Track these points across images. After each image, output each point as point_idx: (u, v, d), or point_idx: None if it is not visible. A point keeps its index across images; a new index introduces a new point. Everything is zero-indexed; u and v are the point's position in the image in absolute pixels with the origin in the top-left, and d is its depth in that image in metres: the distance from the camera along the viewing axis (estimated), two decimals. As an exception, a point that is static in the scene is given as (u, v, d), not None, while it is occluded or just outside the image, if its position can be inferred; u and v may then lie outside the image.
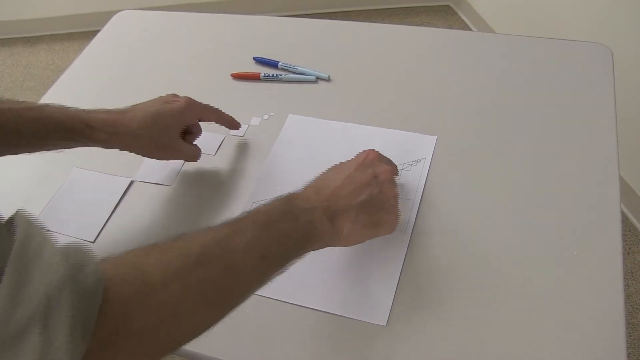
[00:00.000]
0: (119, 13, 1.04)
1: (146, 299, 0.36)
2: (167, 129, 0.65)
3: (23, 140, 0.61)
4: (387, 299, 0.57)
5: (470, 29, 2.27)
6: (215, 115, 0.71)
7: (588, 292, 0.55)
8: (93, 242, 0.67)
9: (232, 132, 0.76)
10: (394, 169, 0.59)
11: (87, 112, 0.63)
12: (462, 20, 2.33)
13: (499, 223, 0.62)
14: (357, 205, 0.52)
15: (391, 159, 0.65)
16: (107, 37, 1.00)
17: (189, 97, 0.67)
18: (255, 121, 0.78)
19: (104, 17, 1.03)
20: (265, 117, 0.78)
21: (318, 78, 0.82)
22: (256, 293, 0.58)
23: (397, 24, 0.94)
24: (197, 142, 0.72)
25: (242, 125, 0.77)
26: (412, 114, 0.75)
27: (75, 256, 0.33)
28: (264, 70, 0.84)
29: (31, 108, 0.60)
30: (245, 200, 0.68)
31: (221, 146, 0.75)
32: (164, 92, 0.85)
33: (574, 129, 0.70)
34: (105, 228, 0.69)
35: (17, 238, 0.30)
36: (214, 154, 0.74)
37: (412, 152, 0.70)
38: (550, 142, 0.69)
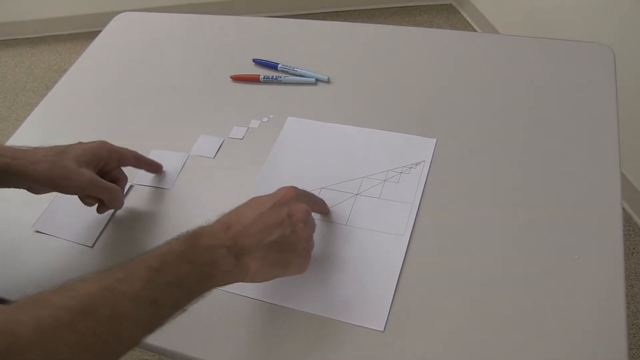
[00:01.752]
0: (119, 15, 1.04)
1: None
2: (74, 159, 0.61)
3: None
4: (385, 304, 0.56)
5: (473, 28, 2.26)
6: (133, 157, 0.69)
7: (589, 296, 0.55)
8: (92, 247, 0.67)
9: (230, 134, 0.76)
10: (309, 210, 0.56)
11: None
12: (465, 19, 2.33)
13: (498, 226, 0.61)
14: (267, 244, 0.51)
15: (381, 162, 0.66)
16: (108, 38, 1.00)
17: (102, 140, 0.66)
18: (254, 124, 0.77)
19: (106, 18, 1.03)
20: (265, 119, 0.78)
21: (317, 80, 0.82)
22: (253, 297, 0.59)
23: (399, 23, 0.94)
24: (201, 143, 0.71)
25: (242, 127, 0.77)
26: (412, 117, 0.75)
27: None
28: (263, 72, 0.84)
29: None
30: (244, 203, 0.68)
31: (220, 149, 0.75)
32: (162, 94, 0.85)
33: (575, 130, 0.69)
34: (104, 233, 0.68)
35: None
36: (213, 157, 0.74)
37: (411, 154, 0.69)
38: (551, 144, 0.68)
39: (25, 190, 0.75)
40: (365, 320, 0.55)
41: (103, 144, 0.65)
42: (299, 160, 0.72)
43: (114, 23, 1.03)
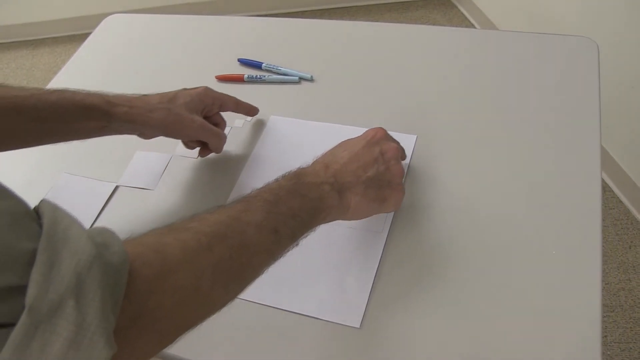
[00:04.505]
0: (109, 17, 1.05)
1: (167, 279, 0.37)
2: (184, 105, 0.66)
3: (45, 126, 0.59)
4: (362, 301, 0.57)
5: (471, 23, 2.26)
6: (233, 102, 0.73)
7: (566, 292, 0.55)
8: (77, 247, 0.68)
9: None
10: (400, 148, 0.61)
11: (108, 93, 0.63)
12: (462, 14, 2.32)
13: (477, 223, 0.61)
14: (365, 181, 0.54)
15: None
16: (97, 40, 1.01)
17: (206, 86, 0.70)
18: (238, 123, 0.78)
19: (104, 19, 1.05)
20: (248, 119, 0.78)
21: (301, 78, 0.82)
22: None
23: (396, 18, 0.94)
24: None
25: (225, 127, 0.77)
26: (393, 113, 0.75)
27: (101, 237, 0.34)
28: (248, 72, 0.84)
29: (52, 92, 0.60)
30: (226, 201, 0.68)
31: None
32: (149, 92, 0.86)
33: (556, 126, 0.69)
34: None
35: (45, 222, 0.32)
36: (196, 157, 0.75)
37: (392, 151, 0.70)
38: (533, 139, 0.68)
39: (23, 187, 0.76)
40: (341, 317, 0.56)
41: (207, 91, 0.69)
42: (281, 158, 0.72)
43: (103, 25, 1.04)
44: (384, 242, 0.61)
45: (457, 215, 0.62)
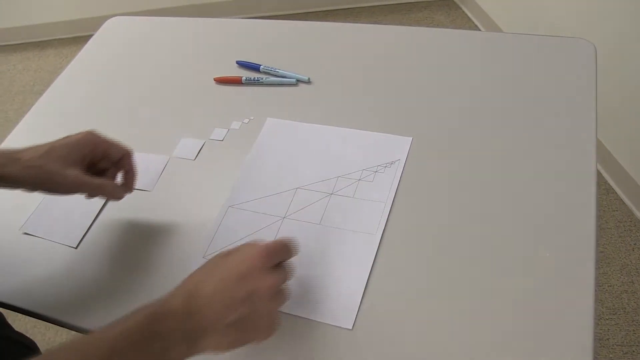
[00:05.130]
0: (110, 19, 1.06)
1: None
2: (60, 159, 0.60)
3: None
4: (354, 303, 0.57)
5: (475, 24, 2.25)
6: (118, 153, 0.65)
7: (559, 295, 0.55)
8: (76, 248, 0.69)
9: (211, 136, 0.77)
10: (279, 279, 0.52)
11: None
12: (466, 14, 2.31)
13: (470, 225, 0.61)
14: (226, 324, 0.49)
15: (357, 161, 0.67)
16: (99, 42, 1.02)
17: (90, 130, 0.64)
18: (235, 125, 0.78)
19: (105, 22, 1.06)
20: (245, 121, 0.79)
21: (298, 81, 0.83)
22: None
23: (399, 19, 0.94)
24: (182, 146, 0.72)
25: (222, 129, 0.78)
26: (390, 116, 0.75)
27: None
28: (246, 74, 0.85)
29: None
30: (222, 204, 0.69)
31: (201, 151, 0.76)
32: (149, 96, 0.87)
33: (552, 128, 0.69)
34: (88, 234, 0.70)
35: None
36: (193, 159, 0.75)
37: (386, 153, 0.70)
38: (529, 142, 0.68)
39: (14, 193, 0.77)
40: (334, 319, 0.56)
41: (87, 137, 0.63)
42: (277, 161, 0.73)
43: (104, 28, 1.05)
44: (378, 244, 0.61)
45: (451, 218, 0.62)
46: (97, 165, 0.65)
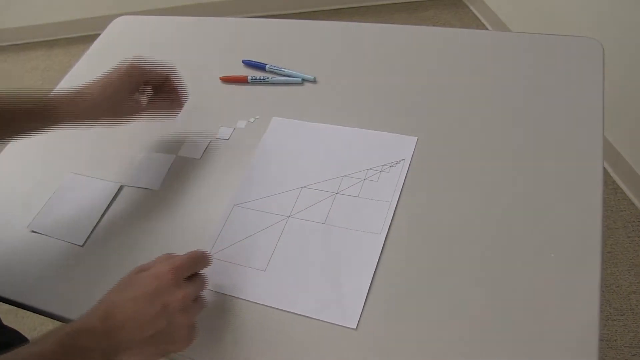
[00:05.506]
0: (117, 19, 1.07)
1: None
2: (118, 92, 0.69)
3: None
4: (358, 302, 0.57)
5: (482, 23, 2.24)
6: (162, 77, 0.73)
7: (564, 295, 0.55)
8: (82, 246, 0.69)
9: (217, 135, 0.78)
10: (191, 292, 0.54)
11: (47, 93, 0.69)
12: (473, 13, 2.31)
13: (475, 225, 0.61)
14: (142, 340, 0.50)
15: (362, 160, 0.68)
16: (105, 42, 1.03)
17: (135, 58, 0.71)
18: (241, 124, 0.79)
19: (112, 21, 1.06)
20: (251, 120, 0.79)
21: (304, 80, 0.83)
22: (226, 293, 0.60)
23: (405, 18, 0.94)
24: (188, 145, 0.73)
25: (228, 128, 0.78)
26: (395, 115, 0.75)
27: None
28: (251, 73, 0.85)
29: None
30: (227, 203, 0.69)
31: (206, 150, 0.76)
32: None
33: (559, 128, 0.69)
34: (94, 232, 0.70)
35: None
36: (199, 157, 0.75)
37: (392, 153, 0.70)
38: (535, 141, 0.68)
39: (23, 193, 0.78)
40: (338, 318, 0.56)
41: (132, 69, 0.70)
42: (282, 160, 0.73)
43: (111, 27, 1.05)
44: (382, 244, 0.61)
45: (455, 218, 0.62)
46: (145, 89, 0.73)
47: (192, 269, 0.56)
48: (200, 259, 0.57)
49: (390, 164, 0.69)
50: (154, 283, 0.53)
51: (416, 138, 0.71)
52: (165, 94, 0.74)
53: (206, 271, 0.60)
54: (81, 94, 0.68)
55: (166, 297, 0.52)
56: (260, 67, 0.86)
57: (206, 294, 0.61)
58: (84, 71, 0.97)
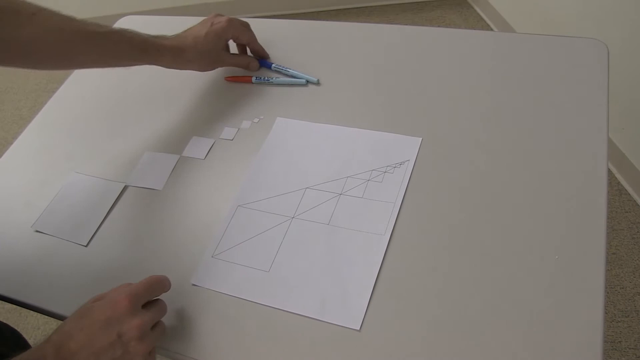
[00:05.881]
0: (123, 18, 1.07)
1: None
2: (214, 47, 0.81)
3: (103, 58, 0.74)
4: (362, 303, 0.57)
5: (487, 24, 2.24)
6: (247, 39, 0.85)
7: (568, 297, 0.54)
8: (86, 246, 0.69)
9: (221, 135, 0.78)
10: (146, 320, 0.53)
11: (155, 38, 0.76)
12: (479, 14, 2.30)
13: (479, 227, 0.61)
14: None
15: (366, 161, 0.68)
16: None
17: (229, 18, 0.82)
18: (245, 125, 0.79)
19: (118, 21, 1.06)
20: (256, 120, 0.79)
21: (308, 82, 0.83)
22: (229, 294, 0.60)
23: (411, 19, 0.94)
24: (192, 145, 0.73)
25: (233, 128, 0.78)
26: (399, 116, 0.75)
27: None
28: (256, 73, 0.85)
29: (115, 32, 0.73)
30: (231, 204, 0.69)
31: (210, 150, 0.76)
32: (160, 94, 0.88)
33: (563, 129, 0.68)
34: (98, 232, 0.71)
35: None
36: (203, 157, 0.76)
37: (396, 154, 0.70)
38: (540, 142, 0.68)
39: (26, 192, 0.78)
40: (341, 319, 0.56)
41: (227, 27, 0.81)
42: (286, 160, 0.73)
43: (118, 25, 1.05)
44: (387, 245, 0.61)
45: (459, 220, 0.62)
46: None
47: (149, 295, 0.55)
48: (157, 284, 0.57)
49: (394, 165, 0.68)
50: (108, 312, 0.52)
51: (420, 139, 0.71)
52: (248, 52, 0.87)
53: (209, 271, 0.61)
54: (186, 45, 0.78)
55: (121, 325, 0.51)
56: (266, 65, 0.86)
57: (210, 294, 0.61)
58: (89, 70, 0.97)
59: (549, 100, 0.72)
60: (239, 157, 0.75)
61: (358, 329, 0.55)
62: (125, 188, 0.75)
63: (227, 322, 0.59)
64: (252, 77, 0.84)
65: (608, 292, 1.41)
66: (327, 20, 0.96)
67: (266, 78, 0.84)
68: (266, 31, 0.95)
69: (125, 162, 0.78)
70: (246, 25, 0.85)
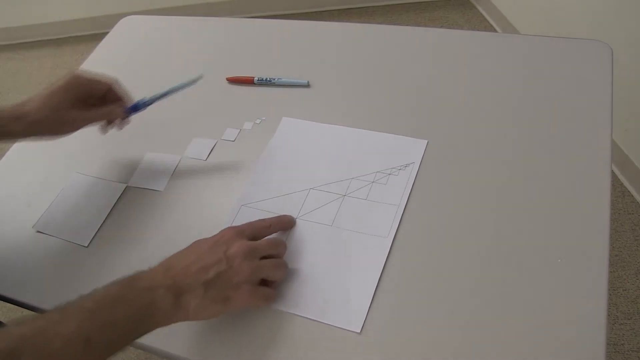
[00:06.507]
0: (124, 18, 1.07)
1: None
2: (60, 103, 0.67)
3: None
4: (363, 306, 0.56)
5: (490, 24, 2.23)
6: (104, 88, 0.71)
7: (571, 299, 0.54)
8: (87, 247, 0.69)
9: (223, 136, 0.77)
10: (252, 245, 0.57)
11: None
12: (482, 14, 2.29)
13: (483, 230, 0.61)
14: (204, 282, 0.52)
15: (371, 163, 0.68)
16: (112, 41, 1.03)
17: (75, 71, 0.70)
18: (247, 125, 0.78)
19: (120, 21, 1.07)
20: (258, 121, 0.79)
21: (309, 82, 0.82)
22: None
23: (414, 19, 0.93)
24: (194, 146, 0.74)
25: (234, 129, 0.78)
26: (405, 118, 0.74)
27: None
28: (258, 74, 0.85)
29: None
30: (233, 204, 0.69)
31: (212, 152, 0.76)
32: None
33: (567, 131, 0.68)
34: (99, 233, 0.70)
35: None
36: (205, 159, 0.75)
37: (401, 156, 0.69)
38: (543, 144, 0.67)
39: (28, 193, 0.78)
40: (342, 322, 0.56)
41: (73, 81, 0.68)
42: (290, 160, 0.72)
43: (119, 26, 1.05)
44: (389, 248, 0.61)
45: (463, 223, 0.62)
46: (87, 102, 0.70)
47: (257, 234, 0.60)
48: (274, 224, 0.62)
49: (399, 167, 0.68)
50: (217, 236, 0.57)
51: (426, 141, 0.70)
52: (107, 105, 0.72)
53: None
54: (24, 109, 0.66)
55: (229, 244, 0.55)
56: (137, 107, 0.75)
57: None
58: (92, 69, 0.96)
59: (553, 101, 0.72)
60: (241, 159, 0.74)
61: (359, 331, 0.55)
62: (126, 189, 0.75)
63: (228, 323, 0.58)
64: (254, 77, 0.84)
65: (611, 294, 1.41)
66: (331, 20, 0.95)
67: (268, 79, 0.83)
68: (267, 32, 0.95)
69: (126, 163, 0.78)
70: (100, 76, 0.71)
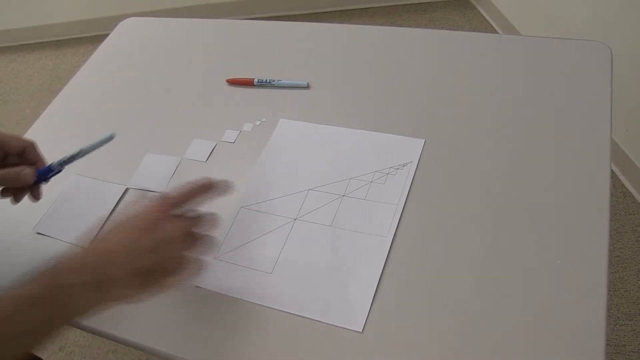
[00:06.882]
0: (124, 20, 1.07)
1: None
2: None
3: None
4: (364, 305, 0.57)
5: (490, 25, 2.23)
6: (21, 146, 0.63)
7: (571, 300, 0.54)
8: (88, 248, 0.69)
9: (223, 138, 0.77)
10: (187, 224, 0.53)
11: None
12: (482, 15, 2.29)
13: (482, 230, 0.61)
14: (130, 273, 0.49)
15: (369, 163, 0.67)
16: (113, 43, 1.03)
17: None
18: (247, 127, 0.78)
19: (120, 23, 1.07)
20: (257, 123, 0.79)
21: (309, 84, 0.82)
22: (232, 295, 0.60)
23: (414, 20, 0.93)
24: (194, 147, 0.72)
25: (234, 131, 0.78)
26: (402, 118, 0.75)
27: None
28: (258, 75, 0.85)
29: None
30: (233, 206, 0.69)
31: (212, 153, 0.76)
32: (161, 97, 0.87)
33: (566, 132, 0.68)
34: (99, 235, 0.70)
35: None
36: (205, 160, 0.75)
37: (399, 155, 0.69)
38: (543, 145, 0.67)
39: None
40: (344, 321, 0.56)
41: None
42: (289, 162, 0.73)
43: (119, 28, 1.05)
44: (389, 247, 0.61)
45: (462, 221, 0.62)
46: (4, 162, 0.63)
47: (187, 201, 0.55)
48: (198, 189, 0.56)
49: (397, 167, 0.68)
50: (147, 217, 0.52)
51: (423, 141, 0.70)
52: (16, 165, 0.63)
53: (212, 273, 0.60)
54: None
55: (164, 228, 0.51)
56: (45, 172, 0.66)
57: (213, 296, 0.61)
58: (92, 71, 0.97)
59: (553, 102, 0.72)
60: (241, 160, 0.75)
61: (360, 331, 0.55)
62: (126, 190, 0.75)
63: (230, 324, 0.59)
64: (254, 79, 0.84)
65: (612, 295, 1.41)
66: (331, 21, 0.95)
67: (268, 80, 0.83)
68: (268, 33, 0.95)
69: (126, 165, 0.78)
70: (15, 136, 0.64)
